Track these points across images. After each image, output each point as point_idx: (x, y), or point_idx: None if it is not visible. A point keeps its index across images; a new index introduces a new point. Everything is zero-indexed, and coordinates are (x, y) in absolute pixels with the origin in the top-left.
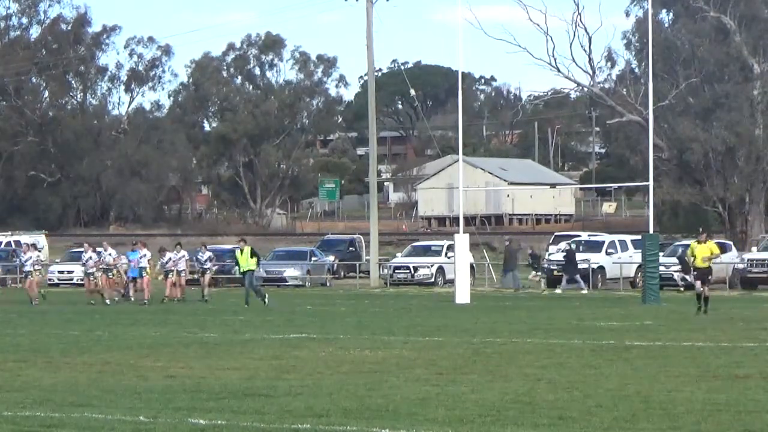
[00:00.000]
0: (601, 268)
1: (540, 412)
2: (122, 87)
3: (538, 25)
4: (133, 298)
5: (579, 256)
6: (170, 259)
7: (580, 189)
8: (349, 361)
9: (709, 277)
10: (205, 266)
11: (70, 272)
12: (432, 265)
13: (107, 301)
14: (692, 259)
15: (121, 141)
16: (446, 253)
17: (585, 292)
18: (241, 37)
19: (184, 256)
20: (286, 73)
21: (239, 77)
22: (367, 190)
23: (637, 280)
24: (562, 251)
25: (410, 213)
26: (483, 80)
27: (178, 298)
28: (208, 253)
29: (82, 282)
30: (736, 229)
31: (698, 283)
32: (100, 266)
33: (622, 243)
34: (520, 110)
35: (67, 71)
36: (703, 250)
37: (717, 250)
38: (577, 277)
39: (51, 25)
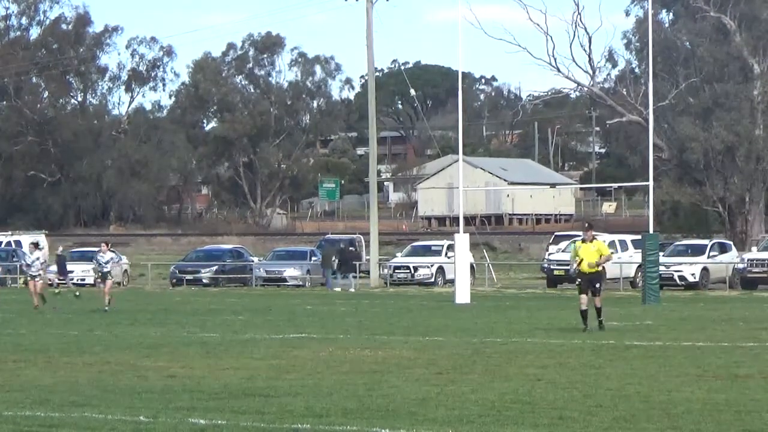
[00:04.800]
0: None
1: (540, 412)
2: (123, 87)
3: (538, 25)
4: None
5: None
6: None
7: (580, 189)
8: (349, 361)
9: (598, 285)
10: (104, 269)
11: (70, 272)
12: (432, 265)
13: None
14: (576, 262)
15: (121, 141)
16: (446, 253)
17: (353, 290)
18: (241, 37)
19: (38, 258)
20: (287, 73)
21: (239, 77)
22: (367, 190)
23: (637, 280)
24: (337, 249)
25: (410, 213)
26: (483, 80)
27: (36, 305)
28: (110, 254)
29: (82, 282)
30: (736, 229)
31: (583, 298)
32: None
33: (622, 243)
34: (520, 110)
35: (67, 71)
36: (589, 252)
37: (606, 251)
38: (351, 275)
39: (51, 25)
